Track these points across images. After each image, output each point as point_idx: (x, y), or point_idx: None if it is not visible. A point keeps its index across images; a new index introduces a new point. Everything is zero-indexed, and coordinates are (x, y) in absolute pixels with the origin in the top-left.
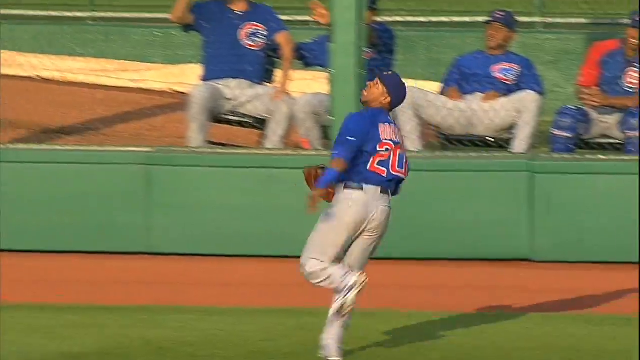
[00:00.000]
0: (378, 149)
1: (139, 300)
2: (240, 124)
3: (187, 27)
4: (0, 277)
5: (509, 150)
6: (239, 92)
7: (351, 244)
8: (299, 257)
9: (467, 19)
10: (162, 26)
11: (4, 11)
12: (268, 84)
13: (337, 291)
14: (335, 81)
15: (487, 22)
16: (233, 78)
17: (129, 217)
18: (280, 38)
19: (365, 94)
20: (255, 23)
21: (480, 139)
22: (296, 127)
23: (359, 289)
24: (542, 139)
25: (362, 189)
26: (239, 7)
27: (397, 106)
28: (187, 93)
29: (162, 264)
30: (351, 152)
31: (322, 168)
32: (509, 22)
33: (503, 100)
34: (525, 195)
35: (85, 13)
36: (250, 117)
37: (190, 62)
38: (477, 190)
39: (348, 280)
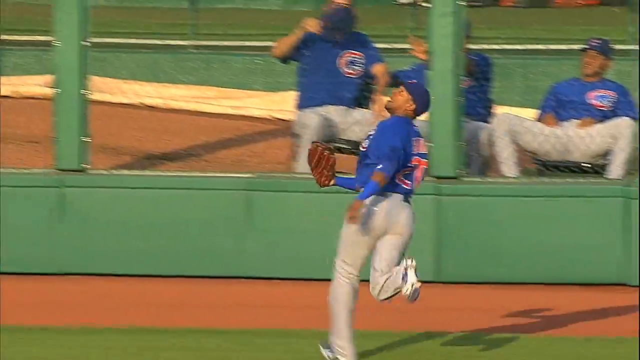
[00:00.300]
0: (409, 164)
1: (240, 324)
2: (339, 150)
3: (286, 59)
4: (108, 301)
5: (604, 176)
6: (338, 119)
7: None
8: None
9: (563, 47)
10: (263, 54)
11: (108, 39)
12: (364, 110)
13: (397, 286)
14: (433, 108)
15: (583, 50)
16: (331, 105)
17: (229, 242)
18: (377, 69)
19: (390, 101)
20: (354, 51)
21: (576, 165)
22: None
23: (413, 269)
24: (637, 164)
25: (386, 196)
26: (338, 35)
27: (421, 114)
28: (289, 120)
29: (262, 287)
30: (396, 167)
31: (331, 152)
32: (605, 50)
33: (599, 126)
34: (620, 221)
35: (187, 41)
36: (349, 142)
37: (291, 90)
38: (573, 216)
39: (399, 274)
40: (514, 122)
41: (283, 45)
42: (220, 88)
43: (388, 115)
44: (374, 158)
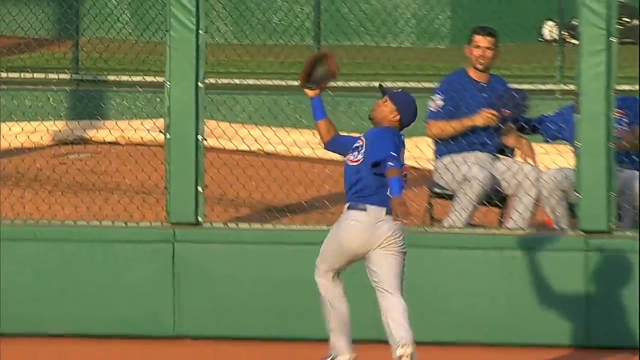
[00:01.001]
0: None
1: None
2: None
3: None
4: None
5: None
6: (475, 168)
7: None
8: (550, 345)
9: None
10: None
11: (225, 80)
12: (509, 157)
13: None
14: (583, 155)
15: None
16: (473, 152)
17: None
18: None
19: (374, 112)
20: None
21: None
22: (539, 204)
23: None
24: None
25: (365, 210)
26: (481, 79)
27: (407, 125)
28: (424, 168)
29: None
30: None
31: (329, 59)
32: None
33: None
34: None
35: None
36: (492, 193)
37: (424, 135)
38: None
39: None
40: None
41: (446, 129)
42: (349, 133)
43: (536, 162)
44: (373, 161)
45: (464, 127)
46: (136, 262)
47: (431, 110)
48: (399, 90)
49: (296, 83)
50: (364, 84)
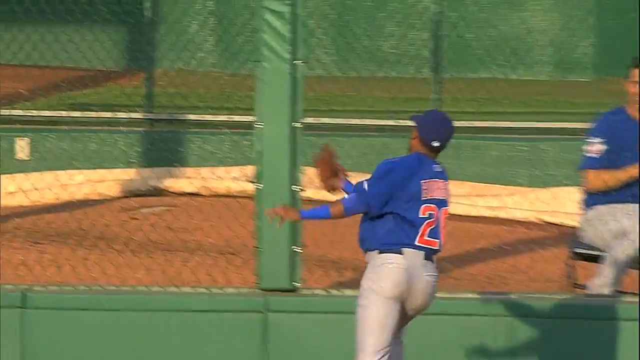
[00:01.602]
0: (420, 215)
1: None
2: None
3: None
4: None
5: None
6: (627, 222)
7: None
8: None
9: None
10: (528, 138)
11: (326, 119)
12: None
13: None
14: None
15: None
16: (623, 204)
17: None
18: None
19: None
20: None
21: None
22: None
23: None
24: None
25: (401, 252)
26: None
27: (432, 142)
28: (564, 224)
29: None
30: (362, 209)
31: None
32: None
33: None
34: None
35: None
36: None
37: (565, 185)
38: None
39: None
40: None
41: (606, 180)
42: (472, 183)
43: None
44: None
45: (631, 178)
46: (221, 335)
47: (590, 157)
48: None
49: (410, 123)
50: (490, 123)
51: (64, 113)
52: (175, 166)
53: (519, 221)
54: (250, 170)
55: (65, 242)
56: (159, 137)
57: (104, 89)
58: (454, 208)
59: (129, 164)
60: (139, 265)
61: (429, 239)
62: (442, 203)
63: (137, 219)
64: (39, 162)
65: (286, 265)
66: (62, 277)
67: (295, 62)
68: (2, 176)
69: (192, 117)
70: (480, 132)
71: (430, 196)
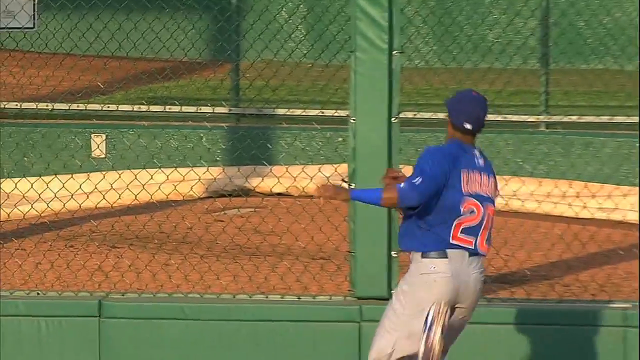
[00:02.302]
0: (456, 208)
1: None
2: None
3: None
4: None
5: None
6: None
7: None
8: None
9: None
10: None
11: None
12: None
13: None
14: None
15: None
16: None
17: None
18: None
19: None
20: None
21: None
22: None
23: None
24: None
25: (446, 256)
26: None
27: (464, 124)
28: None
29: None
30: (420, 198)
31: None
32: None
33: None
34: None
35: (535, 116)
36: None
37: None
38: None
39: None
40: None
41: None
42: (583, 182)
43: None
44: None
45: None
46: (313, 347)
47: None
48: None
49: (517, 118)
50: (604, 118)
51: (143, 107)
52: (263, 164)
53: (633, 224)
54: (344, 168)
55: (145, 247)
56: (245, 133)
57: (187, 81)
58: (563, 209)
59: (213, 162)
60: (223, 271)
61: (463, 236)
62: (486, 200)
63: (222, 221)
64: (116, 160)
65: (383, 271)
66: (140, 284)
67: (392, 52)
68: (77, 175)
69: (281, 111)
70: (592, 128)
71: (473, 190)
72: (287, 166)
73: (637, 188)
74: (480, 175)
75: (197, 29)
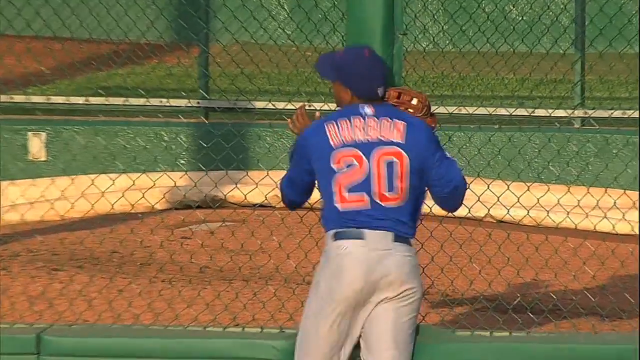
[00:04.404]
0: (334, 167)
1: None
2: None
3: None
4: None
5: None
6: None
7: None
8: None
9: None
10: None
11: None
12: None
13: None
14: None
15: None
16: None
17: None
18: None
19: None
20: None
21: None
22: None
23: None
24: None
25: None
26: None
27: (361, 88)
28: None
29: None
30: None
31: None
32: None
33: None
34: None
35: (571, 111)
36: None
37: None
38: None
39: None
40: None
41: None
42: (623, 191)
43: None
44: None
45: None
46: None
47: None
48: None
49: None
50: None
51: (92, 99)
52: (240, 168)
53: None
54: None
55: (99, 269)
56: (215, 131)
57: (145, 68)
58: (597, 223)
59: (175, 166)
60: (195, 298)
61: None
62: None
63: (189, 237)
64: (58, 164)
65: None
66: (93, 314)
67: (393, 33)
68: (4, 183)
69: (259, 104)
70: (634, 125)
71: (349, 139)
72: (268, 170)
73: None
74: (364, 119)
75: (159, 4)
